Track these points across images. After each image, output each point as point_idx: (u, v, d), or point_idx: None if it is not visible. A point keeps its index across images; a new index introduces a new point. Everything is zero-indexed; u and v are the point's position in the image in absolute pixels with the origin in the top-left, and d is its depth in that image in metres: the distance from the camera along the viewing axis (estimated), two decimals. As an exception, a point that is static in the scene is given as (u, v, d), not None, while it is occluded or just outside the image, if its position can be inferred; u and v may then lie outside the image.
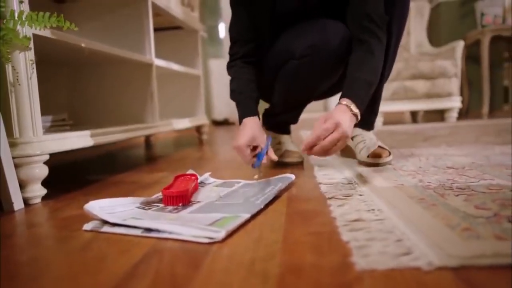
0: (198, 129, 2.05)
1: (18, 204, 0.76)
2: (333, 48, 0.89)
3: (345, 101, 0.79)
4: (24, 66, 0.76)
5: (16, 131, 0.78)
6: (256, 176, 0.89)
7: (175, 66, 1.67)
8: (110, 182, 1.02)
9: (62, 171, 0.83)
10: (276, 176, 0.86)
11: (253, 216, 0.61)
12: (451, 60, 2.33)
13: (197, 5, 2.04)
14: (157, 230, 0.55)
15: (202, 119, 2.02)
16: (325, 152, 0.72)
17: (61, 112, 1.38)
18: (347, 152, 1.11)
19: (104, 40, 1.46)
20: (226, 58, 4.06)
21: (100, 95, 1.46)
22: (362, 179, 0.82)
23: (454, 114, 2.39)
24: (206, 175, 0.94)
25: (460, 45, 2.36)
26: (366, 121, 1.05)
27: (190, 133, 2.50)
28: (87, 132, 0.97)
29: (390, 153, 0.97)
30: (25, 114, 0.78)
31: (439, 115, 2.48)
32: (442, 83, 2.32)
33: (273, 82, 1.02)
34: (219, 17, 4.20)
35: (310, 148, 0.73)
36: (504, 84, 3.08)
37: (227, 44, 4.18)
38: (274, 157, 0.91)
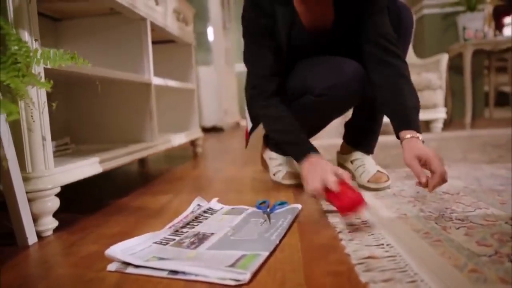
0: (193, 142, 2.06)
1: (32, 238, 0.77)
2: (351, 89, 0.94)
3: (410, 133, 0.84)
4: (36, 102, 0.77)
5: (29, 166, 0.79)
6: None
7: (171, 83, 1.68)
8: (115, 208, 1.03)
9: (61, 194, 0.83)
10: (284, 208, 0.89)
11: (271, 253, 0.64)
12: (436, 72, 2.42)
13: (191, 19, 2.05)
14: (183, 272, 0.57)
15: (196, 133, 2.04)
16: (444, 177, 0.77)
17: (60, 132, 1.38)
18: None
19: (101, 58, 1.47)
20: (215, 65, 4.10)
21: (99, 114, 1.46)
22: (366, 207, 0.86)
23: (440, 125, 2.48)
24: (214, 201, 0.97)
25: (444, 58, 2.46)
26: (367, 145, 1.10)
27: (183, 145, 2.50)
28: (95, 159, 0.98)
29: (388, 178, 1.02)
30: (38, 149, 0.79)
31: (425, 125, 2.57)
32: (428, 95, 2.41)
33: None
34: (207, 23, 4.20)
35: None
36: (485, 90, 3.23)
37: (216, 51, 4.21)
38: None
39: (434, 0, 2.99)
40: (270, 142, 1.23)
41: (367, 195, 0.98)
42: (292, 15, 0.94)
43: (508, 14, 7.63)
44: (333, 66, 0.94)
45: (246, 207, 0.93)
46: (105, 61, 1.46)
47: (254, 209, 0.91)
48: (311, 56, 1.02)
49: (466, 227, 0.69)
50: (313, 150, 0.89)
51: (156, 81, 1.48)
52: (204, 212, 0.90)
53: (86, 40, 1.47)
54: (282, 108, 0.96)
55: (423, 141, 0.84)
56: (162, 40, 1.89)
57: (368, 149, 1.10)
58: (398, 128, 0.86)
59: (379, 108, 1.02)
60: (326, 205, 0.90)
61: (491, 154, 1.47)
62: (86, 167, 0.94)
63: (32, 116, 0.75)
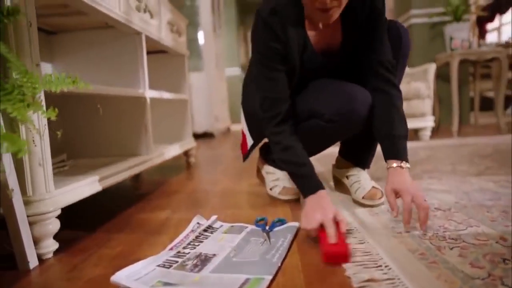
0: (186, 152, 2.07)
1: (33, 262, 0.77)
2: (359, 116, 0.96)
3: (395, 162, 0.90)
4: (37, 125, 0.77)
5: (30, 189, 0.79)
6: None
7: (166, 95, 1.69)
8: (115, 225, 1.03)
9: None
10: (283, 226, 0.91)
11: (273, 276, 0.66)
12: (425, 82, 2.48)
13: (184, 30, 2.06)
14: (190, 299, 0.59)
15: (190, 143, 2.04)
16: (426, 214, 0.81)
17: (54, 145, 1.37)
18: (342, 188, 1.18)
19: (96, 72, 1.47)
20: (206, 71, 4.10)
21: (94, 127, 1.45)
22: (363, 225, 0.89)
23: (428, 133, 2.54)
24: (213, 218, 0.98)
25: (432, 67, 2.52)
26: (363, 160, 1.13)
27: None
28: (95, 178, 0.99)
29: (382, 194, 1.05)
30: (38, 172, 0.79)
31: (413, 133, 2.62)
32: (416, 104, 2.46)
33: None
34: (198, 28, 4.21)
35: (409, 222, 0.82)
36: (470, 95, 3.32)
37: (207, 57, 4.22)
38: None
39: (421, 10, 3.06)
40: (268, 157, 1.25)
41: (362, 211, 1.01)
42: (304, 38, 0.95)
43: (491, 21, 7.83)
44: (343, 93, 0.96)
45: (245, 225, 0.95)
46: (100, 74, 1.46)
47: (253, 227, 0.93)
48: (319, 77, 1.04)
49: (460, 247, 0.72)
50: (322, 187, 0.88)
51: (151, 94, 1.49)
52: (204, 230, 0.92)
53: (81, 54, 1.46)
54: (294, 137, 0.95)
55: (408, 168, 0.90)
56: (155, 50, 1.90)
57: (364, 165, 1.13)
58: (386, 156, 0.92)
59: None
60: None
61: (478, 165, 1.52)
62: (86, 187, 0.94)
63: (34, 140, 0.76)
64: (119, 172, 1.14)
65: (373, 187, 1.06)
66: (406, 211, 0.82)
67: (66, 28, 1.44)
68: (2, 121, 0.60)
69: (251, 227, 0.93)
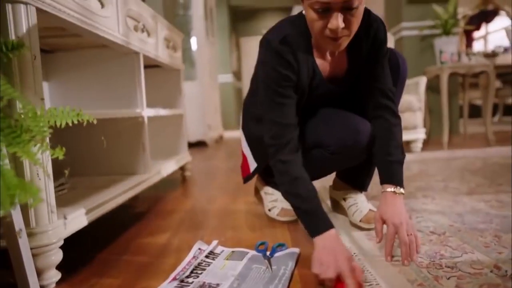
0: (182, 166, 2.07)
1: (36, 294, 0.77)
2: (363, 150, 1.00)
3: (390, 187, 0.91)
4: (40, 160, 0.78)
5: (33, 222, 0.79)
6: None
7: (163, 112, 1.70)
8: (115, 251, 1.03)
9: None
10: (283, 252, 0.92)
11: (278, 310, 0.67)
12: (416, 95, 2.53)
13: (180, 45, 2.07)
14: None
15: (186, 157, 2.05)
16: (411, 249, 0.82)
17: (54, 168, 1.37)
18: (340, 210, 1.21)
19: (93, 90, 1.47)
20: (199, 80, 4.11)
21: (91, 147, 1.45)
22: (361, 251, 0.91)
23: (419, 144, 2.59)
24: (214, 243, 0.99)
25: (423, 81, 2.58)
26: (360, 183, 1.15)
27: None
28: (96, 203, 0.99)
29: (379, 217, 1.07)
30: (42, 205, 0.79)
31: (405, 144, 2.67)
32: (408, 116, 2.51)
33: None
34: (191, 38, 4.22)
35: (391, 255, 0.85)
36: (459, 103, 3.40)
37: (200, 66, 4.22)
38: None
39: (412, 23, 3.12)
40: (268, 178, 1.26)
41: (359, 234, 1.03)
42: (313, 66, 0.96)
43: (477, 29, 8.00)
44: (347, 125, 0.99)
45: (246, 250, 0.96)
46: (97, 93, 1.46)
47: (254, 252, 0.94)
48: (324, 103, 1.06)
49: (456, 277, 0.74)
50: (332, 226, 0.83)
51: (149, 113, 1.50)
52: (206, 257, 0.93)
53: (77, 72, 1.46)
54: (303, 169, 0.91)
55: (402, 193, 0.92)
56: (150, 64, 1.90)
57: (361, 188, 1.15)
58: (382, 180, 0.95)
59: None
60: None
61: (469, 182, 1.56)
62: (87, 214, 0.94)
63: (38, 174, 0.76)
64: (119, 195, 1.15)
65: (370, 210, 1.08)
66: (388, 243, 0.85)
67: (63, 47, 1.44)
68: (7, 164, 0.60)
69: (252, 252, 0.95)
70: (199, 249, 0.97)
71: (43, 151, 0.61)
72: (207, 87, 4.17)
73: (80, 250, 1.06)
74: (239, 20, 8.36)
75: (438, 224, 1.06)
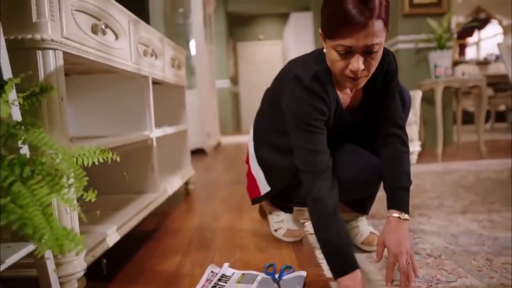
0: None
1: (64, 322, 0.83)
2: (371, 187, 1.08)
3: (395, 213, 0.95)
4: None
5: (60, 251, 0.84)
6: None
7: (169, 130, 1.75)
8: (129, 276, 1.09)
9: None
10: (291, 274, 0.99)
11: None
12: (412, 109, 2.61)
13: (184, 63, 2.13)
14: None
15: (189, 172, 2.10)
16: (409, 277, 0.87)
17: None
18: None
19: (103, 112, 1.52)
20: (198, 89, 4.19)
21: (101, 166, 1.50)
22: (363, 273, 0.98)
23: (415, 157, 2.68)
24: (226, 266, 1.05)
25: (418, 95, 2.66)
26: (362, 207, 1.21)
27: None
28: (114, 228, 1.05)
29: (380, 239, 1.14)
30: (69, 235, 0.85)
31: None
32: (404, 130, 2.59)
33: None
34: (190, 47, 4.27)
35: (391, 280, 0.90)
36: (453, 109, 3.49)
37: (199, 75, 4.28)
38: None
39: (408, 37, 3.21)
40: (275, 200, 1.31)
41: (361, 257, 1.10)
42: (336, 99, 1.00)
43: (470, 36, 8.10)
44: (359, 163, 1.06)
45: (256, 272, 1.02)
46: (107, 115, 1.52)
47: (264, 275, 1.01)
48: (342, 132, 1.10)
49: (451, 303, 0.81)
50: (358, 267, 0.87)
51: (157, 133, 1.55)
52: (219, 280, 0.99)
53: (88, 95, 1.51)
54: (336, 205, 0.93)
55: (407, 219, 0.95)
56: (154, 81, 1.96)
57: (363, 211, 1.21)
58: (389, 205, 0.99)
59: None
60: (327, 269, 1.00)
61: (463, 200, 1.63)
62: (107, 239, 1.00)
63: (66, 210, 0.82)
64: (133, 217, 1.20)
65: (371, 232, 1.15)
66: (388, 270, 0.91)
67: (74, 72, 1.49)
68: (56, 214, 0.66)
69: (261, 275, 1.01)
70: (212, 272, 1.03)
71: (78, 195, 0.67)
72: (206, 95, 4.23)
73: (94, 272, 1.11)
74: (236, 25, 8.42)
75: (435, 246, 1.13)
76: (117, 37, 1.17)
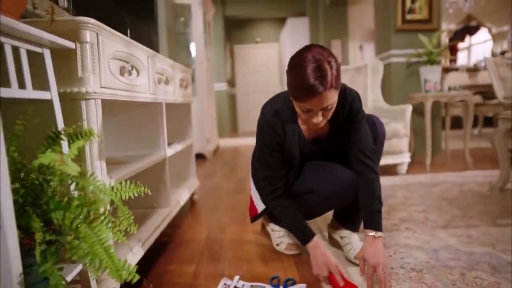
0: (191, 190, 2.27)
1: (103, 329, 0.98)
2: (347, 193, 1.25)
3: (371, 232, 1.16)
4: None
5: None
6: None
7: (179, 147, 1.90)
8: (150, 284, 1.24)
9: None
10: (292, 287, 1.15)
11: None
12: (402, 122, 2.79)
13: (190, 81, 2.27)
14: None
15: (195, 183, 2.25)
16: (385, 284, 1.07)
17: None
18: (336, 245, 1.44)
19: (121, 134, 1.66)
20: (198, 96, 4.38)
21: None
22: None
23: (405, 167, 2.85)
24: (237, 279, 1.21)
25: (409, 109, 2.83)
26: (353, 226, 1.38)
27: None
28: (138, 244, 1.19)
29: (370, 254, 1.31)
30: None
31: (392, 167, 2.93)
32: (395, 142, 2.76)
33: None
34: (191, 57, 4.39)
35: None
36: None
37: (199, 83, 4.44)
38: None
39: (400, 51, 3.38)
40: (272, 216, 1.49)
41: (353, 270, 1.26)
42: (298, 132, 1.22)
43: (461, 41, 8.30)
44: (335, 175, 1.25)
45: (263, 284, 1.18)
46: (125, 136, 1.66)
47: (270, 287, 1.17)
48: (313, 159, 1.31)
49: (428, 313, 0.97)
50: (314, 234, 1.23)
51: (169, 152, 1.70)
52: (231, 292, 1.14)
53: (109, 118, 1.65)
54: (288, 201, 1.27)
55: (381, 236, 1.16)
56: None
57: (354, 228, 1.38)
58: (365, 226, 1.19)
59: None
60: (326, 285, 1.17)
61: (446, 214, 1.81)
62: (135, 255, 1.15)
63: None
64: (154, 232, 1.36)
65: (362, 248, 1.32)
66: (368, 280, 1.10)
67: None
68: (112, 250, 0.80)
69: (268, 287, 1.17)
70: (225, 284, 1.19)
71: (121, 229, 0.82)
72: (205, 102, 4.37)
73: None
74: (233, 28, 8.54)
75: (417, 261, 1.30)
76: (138, 74, 1.32)
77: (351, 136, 1.22)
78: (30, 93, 0.76)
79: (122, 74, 1.15)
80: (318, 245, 1.21)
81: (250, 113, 8.63)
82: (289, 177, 1.29)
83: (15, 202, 0.68)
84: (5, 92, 0.69)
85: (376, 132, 1.29)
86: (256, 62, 8.72)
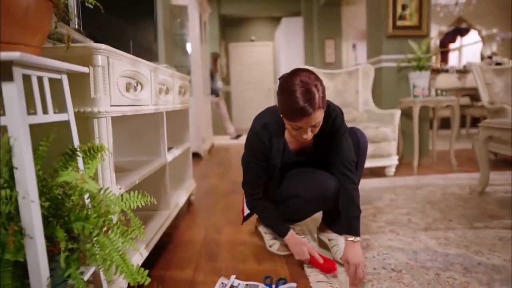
0: (188, 192, 2.37)
1: (112, 324, 1.08)
2: (330, 198, 1.37)
3: (350, 237, 1.30)
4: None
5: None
6: None
7: (177, 152, 2.00)
8: (152, 285, 1.35)
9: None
10: (284, 286, 1.26)
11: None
12: (391, 127, 2.91)
13: (188, 87, 2.36)
14: None
15: (192, 184, 2.35)
16: (361, 279, 1.24)
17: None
18: (324, 246, 1.56)
19: (124, 141, 1.76)
20: (194, 97, 4.50)
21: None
22: (339, 282, 1.26)
23: (393, 169, 2.98)
24: (233, 278, 1.32)
25: (397, 113, 2.96)
26: (339, 228, 1.50)
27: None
28: (142, 246, 1.30)
29: (355, 256, 1.43)
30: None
31: (381, 169, 3.06)
32: (383, 145, 2.89)
33: (278, 204, 1.46)
34: (186, 55, 4.47)
35: (352, 285, 1.23)
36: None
37: (195, 84, 4.54)
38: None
39: (390, 56, 3.49)
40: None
41: (339, 269, 1.38)
42: (283, 145, 1.36)
43: (452, 42, 8.46)
44: (318, 181, 1.37)
45: (257, 283, 1.30)
46: (128, 142, 1.75)
47: (263, 285, 1.28)
48: (297, 167, 1.44)
49: (404, 310, 1.10)
50: (289, 229, 1.45)
51: (169, 158, 1.80)
52: (228, 290, 1.26)
53: (114, 128, 1.74)
54: (268, 204, 1.47)
55: (359, 240, 1.31)
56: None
57: (340, 231, 1.50)
58: (345, 231, 1.33)
59: None
60: (313, 278, 1.28)
61: (428, 217, 1.94)
62: (140, 255, 1.25)
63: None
64: (156, 234, 1.46)
65: (348, 250, 1.44)
66: (351, 277, 1.23)
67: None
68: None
69: (261, 285, 1.28)
70: (222, 283, 1.30)
71: (132, 237, 0.92)
72: (201, 102, 4.45)
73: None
74: (228, 26, 8.59)
75: (398, 262, 1.42)
76: (142, 88, 1.41)
77: (334, 149, 1.34)
78: (52, 117, 0.86)
79: (128, 90, 1.25)
80: (293, 236, 1.43)
81: (244, 111, 8.72)
82: (271, 183, 1.43)
83: (41, 214, 0.78)
84: (33, 119, 0.78)
85: (358, 144, 1.41)
86: (251, 60, 8.80)
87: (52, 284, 0.80)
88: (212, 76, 5.91)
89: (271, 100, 8.69)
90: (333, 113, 1.32)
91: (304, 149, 1.40)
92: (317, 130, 1.21)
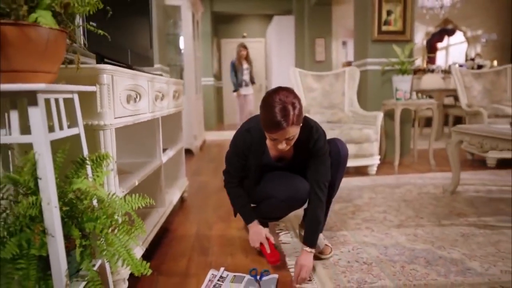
0: (181, 189, 2.52)
1: (116, 310, 1.23)
2: (301, 199, 1.53)
3: (306, 247, 1.46)
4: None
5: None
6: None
7: (171, 153, 2.14)
8: (149, 277, 1.50)
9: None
10: (267, 277, 1.43)
11: (267, 319, 1.17)
12: (373, 128, 3.09)
13: (182, 91, 2.49)
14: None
15: (185, 182, 2.50)
16: (303, 278, 1.39)
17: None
18: (305, 242, 1.73)
19: (123, 145, 1.89)
20: (187, 95, 4.67)
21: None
22: (317, 274, 1.43)
23: (374, 168, 3.17)
24: (222, 270, 1.48)
25: (380, 115, 3.13)
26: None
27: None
28: (142, 241, 1.45)
29: (331, 250, 1.60)
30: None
31: (364, 168, 3.24)
32: (366, 146, 3.07)
33: (258, 204, 1.63)
34: (180, 54, 4.57)
35: (296, 282, 1.39)
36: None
37: (188, 83, 4.70)
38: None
39: (375, 59, 3.66)
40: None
41: (318, 263, 1.55)
42: (264, 149, 1.52)
43: (440, 41, 8.66)
44: (291, 184, 1.53)
45: (243, 275, 1.46)
46: (126, 145, 1.89)
47: (249, 276, 1.44)
48: (279, 169, 1.61)
49: (370, 297, 1.27)
50: (255, 218, 1.63)
51: (164, 159, 1.94)
52: (218, 280, 1.42)
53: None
54: (241, 192, 1.65)
55: (313, 251, 1.47)
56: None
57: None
58: (304, 240, 1.49)
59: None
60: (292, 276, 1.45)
61: (401, 215, 2.12)
62: (137, 251, 1.40)
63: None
64: (152, 231, 1.61)
65: (325, 245, 1.60)
66: (296, 275, 1.40)
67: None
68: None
69: (247, 276, 1.44)
70: (212, 274, 1.46)
71: (135, 235, 1.07)
72: (193, 100, 4.58)
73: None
74: (221, 23, 8.66)
75: (370, 256, 1.60)
76: (140, 98, 1.54)
77: (312, 167, 1.49)
78: (66, 132, 1.00)
79: (128, 102, 1.38)
80: (256, 225, 1.61)
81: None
82: (248, 182, 1.61)
83: (59, 216, 0.93)
84: (52, 136, 0.92)
85: (339, 154, 1.56)
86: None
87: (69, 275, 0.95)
88: (235, 70, 5.70)
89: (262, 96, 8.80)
90: (315, 135, 1.46)
91: (283, 157, 1.57)
92: (292, 142, 1.36)
